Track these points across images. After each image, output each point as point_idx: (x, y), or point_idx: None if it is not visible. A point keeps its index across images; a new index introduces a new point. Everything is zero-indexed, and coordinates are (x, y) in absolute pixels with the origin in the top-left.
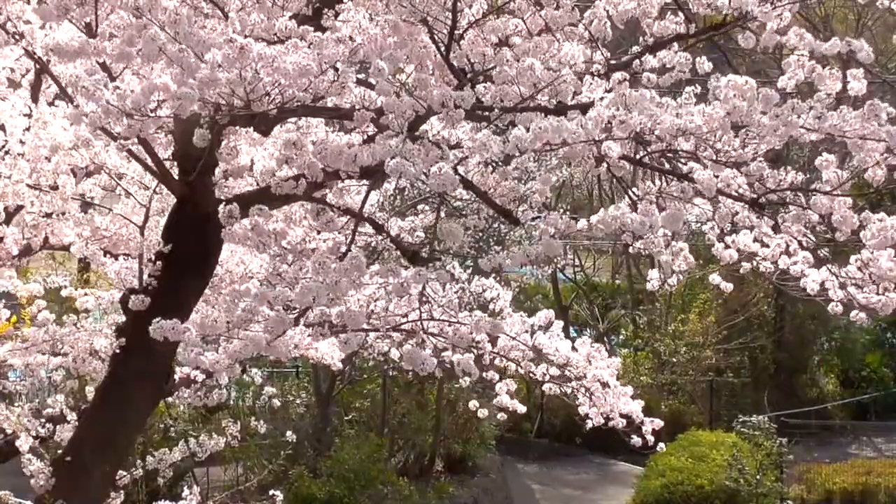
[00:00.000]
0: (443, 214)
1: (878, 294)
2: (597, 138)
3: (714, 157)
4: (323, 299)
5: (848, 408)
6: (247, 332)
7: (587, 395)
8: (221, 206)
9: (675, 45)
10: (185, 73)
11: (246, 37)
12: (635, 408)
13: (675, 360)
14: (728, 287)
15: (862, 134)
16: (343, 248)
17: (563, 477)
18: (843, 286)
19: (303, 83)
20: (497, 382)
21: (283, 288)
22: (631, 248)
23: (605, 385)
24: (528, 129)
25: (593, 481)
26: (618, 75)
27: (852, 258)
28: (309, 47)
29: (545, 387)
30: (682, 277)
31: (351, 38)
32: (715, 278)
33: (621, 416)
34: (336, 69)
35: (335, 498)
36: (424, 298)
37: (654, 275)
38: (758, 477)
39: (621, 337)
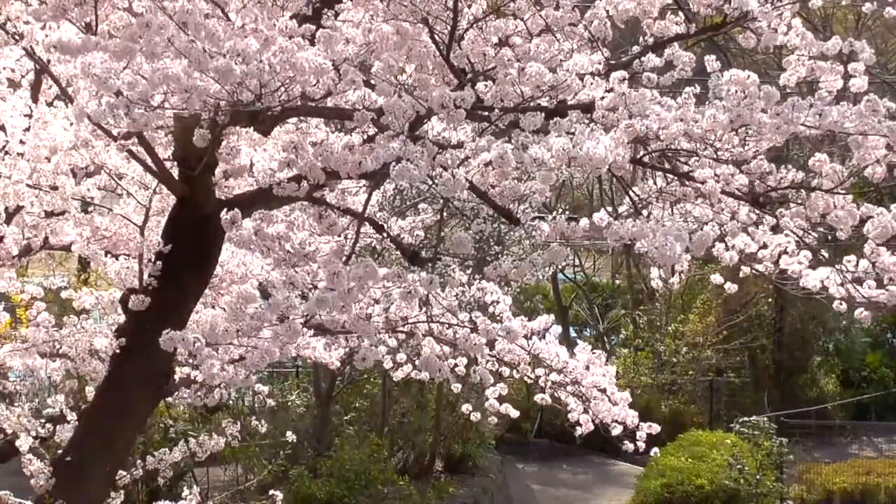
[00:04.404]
0: (444, 215)
1: (881, 288)
2: (613, 158)
3: (715, 156)
4: (336, 308)
5: (848, 408)
6: (257, 342)
7: (583, 401)
8: (223, 212)
9: (675, 45)
10: (193, 65)
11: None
12: (632, 414)
13: (675, 360)
14: (732, 288)
15: (862, 130)
16: (346, 251)
17: (563, 477)
18: (844, 283)
19: (312, 81)
20: (492, 385)
21: (295, 296)
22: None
23: (602, 391)
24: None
25: (593, 481)
26: (617, 74)
27: (851, 257)
28: (312, 43)
29: (537, 396)
30: (684, 276)
31: (353, 37)
32: (717, 278)
33: (617, 421)
34: (337, 70)
35: (335, 498)
36: (425, 300)
37: (654, 273)
38: (758, 477)
39: (621, 337)
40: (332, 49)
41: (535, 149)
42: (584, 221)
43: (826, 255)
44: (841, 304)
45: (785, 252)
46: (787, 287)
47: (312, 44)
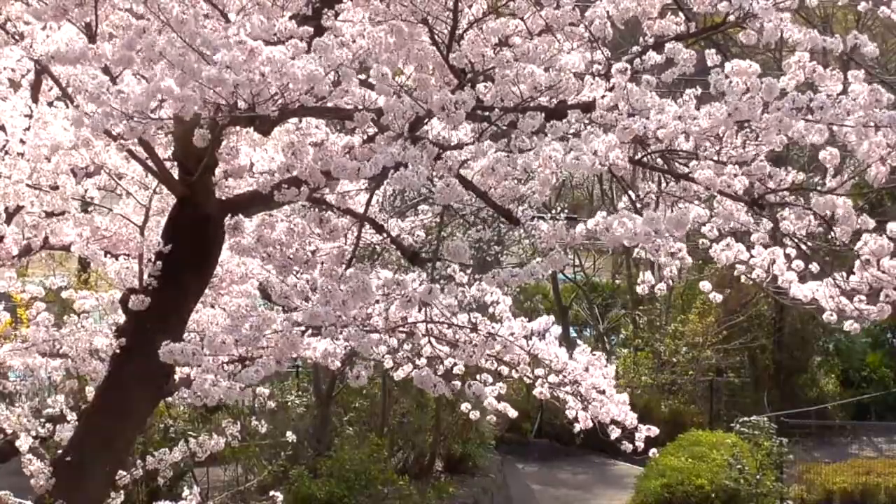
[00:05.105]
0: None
1: (871, 300)
2: (607, 163)
3: (715, 157)
4: (331, 321)
5: (848, 408)
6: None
7: (582, 401)
8: (227, 217)
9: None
10: (186, 75)
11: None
12: (631, 416)
13: (675, 360)
14: (718, 297)
15: (864, 122)
16: (348, 256)
17: (563, 477)
18: (837, 295)
19: (307, 87)
20: (490, 384)
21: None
22: (635, 252)
23: (601, 392)
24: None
25: (593, 481)
26: (619, 65)
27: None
28: (309, 49)
29: (535, 391)
30: (672, 282)
31: (353, 41)
32: (705, 286)
33: (614, 422)
34: (337, 72)
35: (335, 498)
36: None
37: (647, 277)
38: (758, 477)
39: (621, 337)
40: (327, 56)
41: (525, 157)
42: (580, 227)
43: (819, 266)
44: (831, 315)
45: (775, 262)
46: (779, 297)
47: (311, 45)
